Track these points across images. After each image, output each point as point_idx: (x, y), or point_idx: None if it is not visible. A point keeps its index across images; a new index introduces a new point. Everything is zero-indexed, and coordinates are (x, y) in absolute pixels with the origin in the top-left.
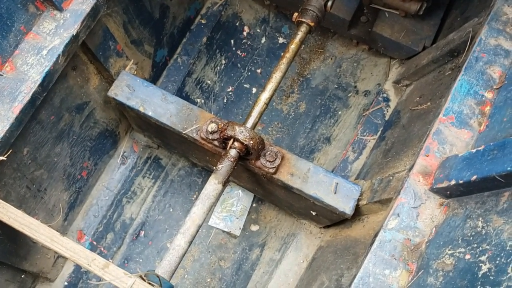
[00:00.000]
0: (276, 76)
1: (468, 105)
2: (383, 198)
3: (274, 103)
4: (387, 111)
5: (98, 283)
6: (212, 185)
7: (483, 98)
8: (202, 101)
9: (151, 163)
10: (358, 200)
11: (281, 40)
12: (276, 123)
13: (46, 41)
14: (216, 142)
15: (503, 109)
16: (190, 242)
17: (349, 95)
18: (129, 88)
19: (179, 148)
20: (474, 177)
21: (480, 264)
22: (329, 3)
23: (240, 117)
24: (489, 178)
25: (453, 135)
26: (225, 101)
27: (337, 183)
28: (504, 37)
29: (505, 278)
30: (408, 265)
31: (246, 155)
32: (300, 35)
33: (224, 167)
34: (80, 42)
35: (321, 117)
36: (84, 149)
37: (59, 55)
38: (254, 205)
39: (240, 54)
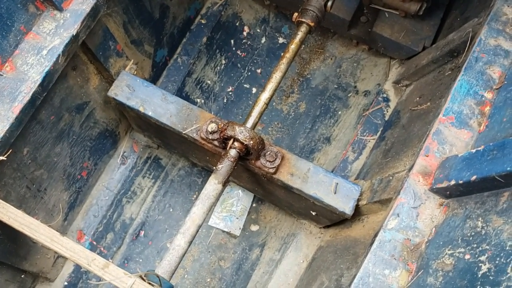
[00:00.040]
0: (276, 76)
1: (468, 105)
2: (383, 198)
3: (274, 103)
4: (387, 111)
5: (98, 283)
6: (212, 185)
7: (483, 98)
8: (202, 101)
9: (151, 163)
10: (358, 200)
11: (281, 40)
12: (276, 123)
13: (46, 41)
14: (216, 142)
15: (503, 109)
16: (190, 242)
17: (349, 95)
18: (129, 88)
19: (179, 148)
20: (474, 177)
21: (480, 264)
22: (329, 3)
23: (240, 117)
24: (489, 178)
25: (453, 135)
26: (225, 101)
27: (337, 183)
28: (503, 38)
29: (504, 278)
30: (407, 265)
31: (246, 155)
32: (300, 35)
33: (224, 167)
34: (80, 42)
35: (321, 117)
36: (84, 149)
37: (59, 55)
38: (254, 205)
39: (240, 54)
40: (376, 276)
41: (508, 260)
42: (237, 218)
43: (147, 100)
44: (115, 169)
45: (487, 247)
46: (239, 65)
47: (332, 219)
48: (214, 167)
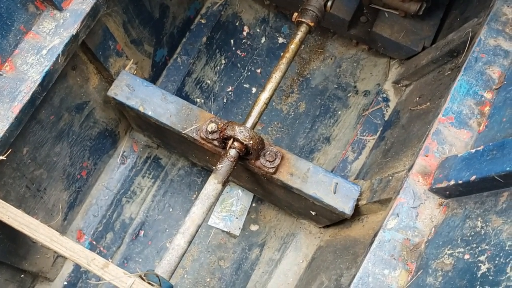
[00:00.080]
0: (276, 76)
1: (467, 105)
2: (382, 198)
3: (273, 103)
4: (387, 111)
5: (98, 283)
6: (212, 185)
7: (483, 99)
8: (202, 101)
9: (150, 162)
10: (358, 200)
11: (281, 40)
12: (275, 123)
13: (46, 40)
14: (215, 142)
15: (502, 109)
16: (190, 242)
17: (348, 95)
18: (128, 87)
19: (178, 148)
20: (473, 177)
21: (479, 264)
22: (329, 3)
23: (240, 117)
24: (488, 178)
25: (452, 135)
26: (224, 101)
27: (337, 183)
28: (503, 38)
29: (504, 278)
30: (407, 265)
31: (246, 155)
32: (300, 35)
33: (223, 167)
34: (80, 41)
35: (321, 117)
36: (83, 149)
37: (59, 54)
38: (253, 204)
39: (240, 54)
40: (376, 276)
41: (507, 260)
42: (237, 218)
43: (146, 100)
44: (115, 168)
45: (487, 247)
46: (239, 65)
47: (331, 219)
48: (213, 167)
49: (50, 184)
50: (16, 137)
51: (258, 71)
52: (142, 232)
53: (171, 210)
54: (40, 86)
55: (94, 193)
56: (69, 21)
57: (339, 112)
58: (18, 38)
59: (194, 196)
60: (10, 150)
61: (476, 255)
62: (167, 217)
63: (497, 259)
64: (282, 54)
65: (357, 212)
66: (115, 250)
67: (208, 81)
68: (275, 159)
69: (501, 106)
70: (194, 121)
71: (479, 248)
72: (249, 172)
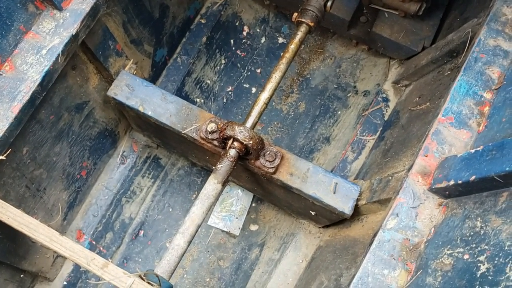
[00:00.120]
0: (276, 76)
1: (467, 105)
2: (382, 198)
3: (273, 103)
4: (386, 111)
5: (97, 283)
6: (212, 184)
7: (482, 99)
8: (202, 100)
9: (150, 162)
10: (357, 200)
11: (280, 40)
12: (275, 123)
13: (46, 40)
14: (215, 142)
15: (502, 109)
16: (190, 242)
17: (348, 95)
18: (128, 87)
19: (178, 147)
20: (473, 177)
21: (479, 264)
22: (329, 3)
23: (240, 117)
24: (488, 178)
25: (452, 135)
26: (224, 100)
27: (336, 183)
28: (503, 38)
29: (503, 278)
30: (407, 265)
31: (246, 155)
32: (299, 35)
33: (223, 167)
34: (79, 41)
35: (321, 117)
36: (83, 149)
37: (58, 54)
38: (253, 204)
39: (240, 54)
40: (375, 276)
41: (506, 260)
42: (237, 218)
43: (146, 100)
44: (115, 168)
45: (486, 247)
46: (238, 65)
47: (331, 219)
48: (213, 167)
49: (50, 184)
50: (15, 137)
51: (258, 71)
52: (141, 232)
53: (170, 210)
54: (39, 86)
55: (93, 193)
56: (69, 21)
57: (339, 112)
58: (17, 38)
59: (194, 196)
60: (10, 150)
61: (475, 255)
62: (166, 217)
63: (497, 259)
64: (282, 54)
65: (357, 212)
66: (115, 250)
67: (208, 81)
68: (275, 159)
69: (501, 106)
70: (194, 121)
71: (479, 248)
72: (249, 172)
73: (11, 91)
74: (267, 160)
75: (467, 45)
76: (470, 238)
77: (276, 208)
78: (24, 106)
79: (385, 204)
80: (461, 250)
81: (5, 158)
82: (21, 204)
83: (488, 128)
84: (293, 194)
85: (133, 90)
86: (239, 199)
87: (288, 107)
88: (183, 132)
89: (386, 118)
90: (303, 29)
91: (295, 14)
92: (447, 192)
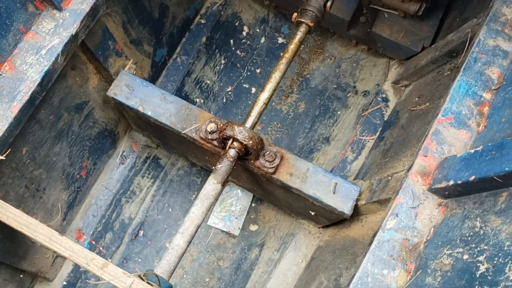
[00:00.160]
0: (276, 76)
1: (466, 105)
2: (381, 198)
3: (273, 103)
4: (386, 111)
5: (97, 283)
6: (211, 185)
7: (482, 99)
8: (202, 101)
9: (150, 162)
10: (357, 200)
11: (280, 40)
12: (275, 123)
13: (45, 40)
14: (215, 142)
15: (502, 109)
16: (189, 242)
17: (348, 95)
18: (128, 87)
19: (178, 148)
20: (472, 177)
21: (478, 264)
22: (329, 4)
23: (240, 117)
24: (487, 178)
25: (451, 135)
26: (224, 101)
27: (336, 183)
28: (502, 38)
29: (502, 278)
30: (406, 265)
31: (246, 155)
32: (299, 35)
33: (223, 167)
34: (79, 41)
35: (320, 117)
36: (83, 149)
37: (58, 54)
38: (253, 205)
39: (240, 54)
40: (375, 276)
41: (506, 260)
42: (236, 218)
43: (146, 100)
44: (114, 168)
45: (485, 247)
46: (238, 65)
47: (331, 219)
48: (213, 167)
49: (50, 184)
50: (15, 137)
51: (258, 71)
52: (141, 232)
53: (170, 210)
54: (39, 86)
55: (93, 193)
56: (69, 21)
57: (339, 112)
58: (17, 38)
59: (194, 196)
60: (10, 150)
61: (475, 255)
62: (166, 217)
63: (496, 259)
64: (281, 54)
65: (356, 212)
66: (115, 250)
67: (208, 81)
68: (275, 159)
69: (500, 106)
70: (194, 121)
71: (478, 248)
72: (248, 172)
73: (10, 91)
74: (266, 160)
75: (467, 45)
76: (469, 238)
77: (275, 208)
78: (24, 106)
79: (384, 204)
80: (461, 250)
81: (4, 158)
82: (21, 204)
83: (488, 128)
84: (293, 194)
85: (132, 90)
86: (238, 199)
87: (288, 107)
88: (182, 132)
89: (385, 118)
90: (302, 29)
91: (295, 14)
92: (446, 192)
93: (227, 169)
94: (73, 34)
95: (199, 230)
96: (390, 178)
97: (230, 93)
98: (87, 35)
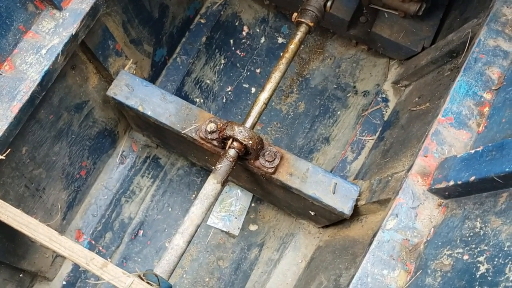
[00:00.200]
0: (275, 76)
1: (467, 106)
2: (381, 199)
3: (273, 103)
4: (386, 112)
5: (97, 282)
6: (211, 184)
7: (482, 99)
8: (201, 100)
9: (150, 162)
10: (357, 200)
11: (280, 40)
12: (275, 123)
13: (45, 40)
14: (215, 142)
15: (502, 110)
16: (189, 242)
17: (348, 95)
18: (128, 87)
19: (178, 147)
20: (473, 178)
21: (478, 265)
22: (329, 4)
23: (239, 117)
24: (488, 179)
25: (451, 136)
26: (224, 100)
27: (336, 183)
28: (503, 38)
29: (503, 278)
30: (406, 265)
31: (245, 155)
32: (299, 35)
33: (223, 167)
34: (79, 41)
35: (320, 117)
36: (83, 149)
37: (58, 54)
38: (253, 204)
39: (240, 53)
40: (375, 276)
41: (506, 261)
42: (236, 218)
43: (146, 100)
44: (114, 168)
45: (486, 247)
46: (238, 64)
47: (330, 219)
48: (213, 167)
49: (49, 183)
50: (15, 136)
51: (258, 71)
52: (141, 232)
53: (170, 209)
54: (39, 85)
55: (93, 193)
56: (69, 21)
57: (339, 112)
58: (17, 37)
59: (193, 196)
60: (9, 149)
61: (475, 256)
62: (166, 216)
63: (496, 259)
64: (281, 54)
65: (356, 212)
66: (114, 249)
67: (208, 81)
68: (275, 159)
69: (501, 106)
70: (194, 121)
71: (478, 249)
72: (248, 172)
73: (10, 90)
74: (266, 160)
75: (467, 45)
76: (469, 239)
77: (275, 208)
78: (24, 106)
79: (384, 205)
80: (461, 250)
81: (4, 157)
82: (21, 203)
83: (488, 128)
84: (293, 194)
85: (132, 90)
86: (238, 199)
87: (288, 107)
88: (182, 132)
89: (385, 118)
90: (302, 29)
91: (295, 14)
92: (446, 193)
93: (227, 169)
94: (73, 33)
95: (198, 230)
96: (390, 178)
97: (230, 93)
98: (87, 34)
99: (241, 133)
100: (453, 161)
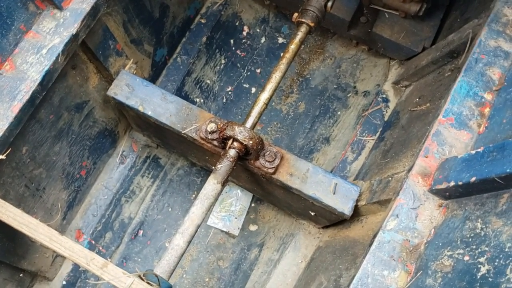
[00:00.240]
0: (276, 76)
1: (467, 106)
2: (382, 199)
3: (273, 103)
4: (386, 112)
5: (97, 283)
6: (211, 185)
7: (483, 100)
8: (202, 100)
9: (150, 162)
10: (357, 200)
11: (280, 40)
12: (275, 123)
13: (46, 40)
14: (215, 142)
15: (503, 110)
16: (189, 242)
17: (348, 95)
18: (128, 87)
19: (178, 147)
20: (473, 178)
21: (479, 266)
22: (329, 4)
23: (240, 117)
24: (488, 179)
25: (452, 136)
26: (224, 100)
27: (336, 184)
28: (504, 39)
29: (503, 279)
30: (406, 266)
31: (246, 155)
32: (300, 35)
33: (223, 167)
34: (80, 41)
35: (320, 117)
36: (83, 148)
37: (59, 54)
38: (253, 205)
39: (240, 53)
40: (375, 277)
41: (507, 262)
42: (236, 218)
43: (146, 100)
44: (114, 168)
45: (486, 248)
46: (238, 64)
47: (331, 220)
48: (213, 167)
49: (50, 183)
50: (15, 136)
51: (258, 71)
52: (141, 232)
53: (170, 209)
54: (40, 85)
55: (93, 193)
56: (69, 21)
57: (339, 113)
58: (18, 37)
59: (193, 196)
60: (10, 149)
61: (475, 257)
62: (166, 216)
63: (497, 260)
64: (282, 54)
65: (357, 212)
66: (114, 249)
67: (208, 81)
68: (275, 159)
69: (501, 107)
70: (194, 121)
71: (479, 250)
72: (248, 172)
73: (11, 90)
74: (266, 161)
75: (468, 46)
76: (470, 240)
77: (275, 208)
78: (24, 106)
79: (385, 205)
80: (461, 251)
81: (5, 157)
82: (21, 203)
83: (489, 129)
84: (293, 194)
85: (133, 89)
86: (238, 199)
87: (288, 107)
88: (183, 132)
89: (386, 119)
90: (303, 29)
91: (295, 14)
92: (447, 193)
93: (227, 169)
94: (74, 33)
95: (198, 230)
96: (390, 178)
97: (230, 93)
98: (87, 34)
99: (241, 133)
100: (454, 161)
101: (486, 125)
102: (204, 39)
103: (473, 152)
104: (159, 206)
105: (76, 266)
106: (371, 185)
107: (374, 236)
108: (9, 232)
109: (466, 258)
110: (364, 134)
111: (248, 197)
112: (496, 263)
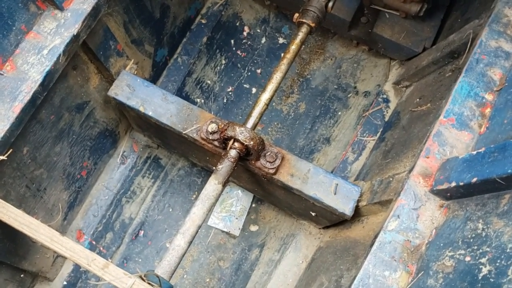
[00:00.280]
0: (277, 76)
1: (468, 107)
2: (383, 200)
3: (274, 104)
4: (387, 112)
5: (98, 283)
6: (212, 185)
7: (484, 100)
8: (202, 101)
9: (150, 162)
10: (358, 201)
11: (281, 40)
12: (275, 123)
13: (47, 40)
14: (216, 143)
15: (504, 111)
16: (190, 242)
17: (349, 95)
18: (129, 87)
19: (179, 148)
20: (475, 179)
21: (480, 266)
22: (330, 4)
23: (240, 117)
24: (490, 180)
25: (453, 137)
26: (225, 101)
27: (337, 184)
28: (504, 39)
29: (505, 280)
30: (408, 266)
31: (246, 155)
32: (300, 35)
33: (224, 167)
34: (80, 41)
35: (321, 118)
36: (84, 149)
37: (59, 54)
38: (253, 205)
39: (240, 54)
40: (376, 278)
41: (508, 263)
42: (237, 218)
43: (147, 100)
44: (115, 168)
45: (488, 249)
46: (239, 65)
47: (331, 220)
48: (214, 167)
49: (50, 184)
50: (16, 137)
51: (259, 71)
52: (142, 232)
53: (171, 210)
54: (40, 86)
55: (94, 193)
56: (70, 21)
57: (339, 113)
58: (19, 37)
59: (194, 196)
60: (11, 150)
61: (477, 257)
62: (167, 217)
63: (498, 261)
64: (282, 54)
65: (357, 213)
66: (115, 250)
67: (209, 81)
68: (276, 159)
69: (502, 108)
70: (195, 121)
71: (480, 250)
72: (249, 172)
73: (12, 91)
74: (267, 161)
75: (469, 46)
76: (471, 240)
77: (276, 208)
78: (25, 106)
79: (386, 206)
80: (463, 252)
81: (6, 158)
82: (22, 204)
83: (490, 129)
84: (294, 195)
85: (133, 90)
86: (239, 200)
87: (289, 108)
88: (183, 132)
89: (386, 119)
90: (304, 29)
91: (296, 15)
92: (448, 194)
93: (228, 169)
94: (75, 34)
95: (199, 230)
96: (391, 179)
97: (230, 93)
98: (88, 35)
99: (242, 133)
100: (455, 162)
101: (487, 125)
102: (204, 39)
103: (474, 152)
104: (160, 207)
105: (77, 267)
106: (372, 186)
107: (375, 237)
108: (10, 233)
109: (468, 258)
110: (364, 135)
111: (249, 198)
112: (497, 264)
